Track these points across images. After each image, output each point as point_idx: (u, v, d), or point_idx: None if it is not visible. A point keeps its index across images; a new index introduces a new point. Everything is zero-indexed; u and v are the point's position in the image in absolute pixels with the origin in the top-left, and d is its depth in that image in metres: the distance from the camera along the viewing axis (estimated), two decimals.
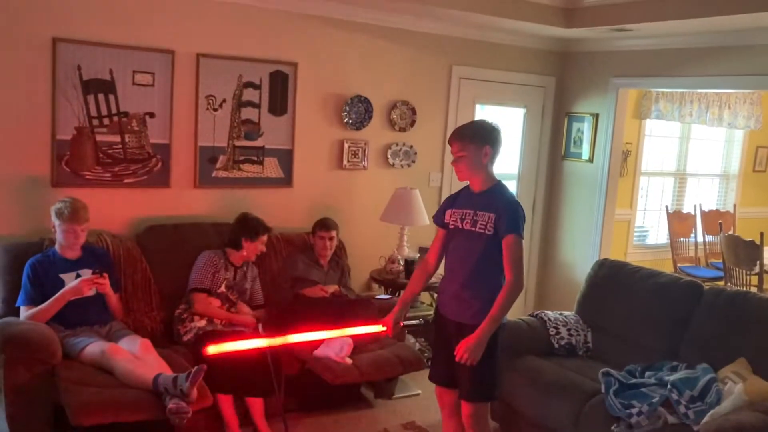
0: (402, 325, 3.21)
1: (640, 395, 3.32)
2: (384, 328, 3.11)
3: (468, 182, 3.10)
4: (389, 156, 5.18)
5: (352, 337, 3.00)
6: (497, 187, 3.02)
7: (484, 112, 5.69)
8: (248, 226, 4.03)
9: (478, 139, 2.97)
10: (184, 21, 4.26)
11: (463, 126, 3.10)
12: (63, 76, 3.91)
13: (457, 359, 2.89)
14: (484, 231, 2.93)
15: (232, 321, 3.91)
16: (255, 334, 2.93)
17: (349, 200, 5.03)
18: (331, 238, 4.42)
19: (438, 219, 3.17)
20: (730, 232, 6.77)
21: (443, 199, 5.42)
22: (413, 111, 5.22)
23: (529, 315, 4.24)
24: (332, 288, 4.37)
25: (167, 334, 3.93)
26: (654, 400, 3.24)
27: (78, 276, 3.55)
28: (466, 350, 2.86)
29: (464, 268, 2.99)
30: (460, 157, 2.99)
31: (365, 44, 4.95)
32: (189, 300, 3.89)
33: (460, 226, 3.01)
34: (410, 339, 4.81)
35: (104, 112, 4.07)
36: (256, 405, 3.66)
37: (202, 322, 3.83)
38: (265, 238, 4.05)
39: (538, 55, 5.79)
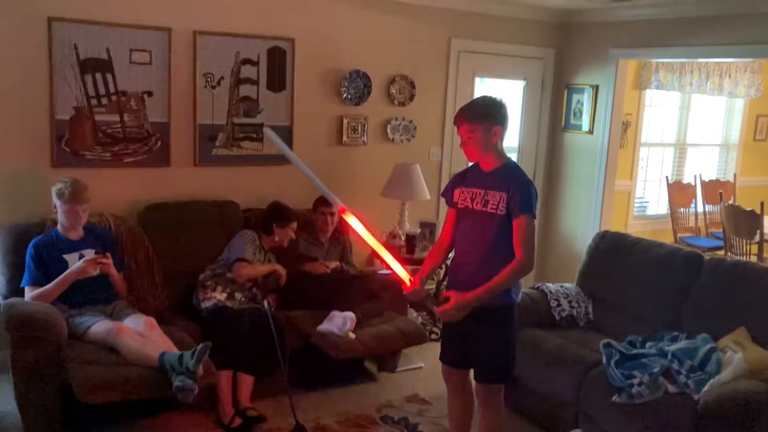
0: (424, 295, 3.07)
1: (641, 365, 3.35)
2: (410, 279, 2.97)
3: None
4: (389, 131, 5.17)
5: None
6: (508, 166, 2.93)
7: (483, 85, 5.67)
8: (279, 212, 4.16)
9: (487, 119, 2.86)
10: None
11: (469, 106, 2.96)
12: (59, 56, 3.89)
13: (437, 313, 2.88)
14: (496, 211, 2.85)
15: (273, 269, 4.07)
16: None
17: (349, 176, 5.02)
18: (332, 214, 4.44)
19: (447, 198, 3.09)
20: (731, 202, 6.79)
21: (443, 173, 5.50)
22: (412, 85, 5.19)
23: (531, 287, 4.26)
24: (333, 264, 4.40)
25: (172, 311, 3.96)
26: (655, 371, 3.28)
27: (81, 256, 3.57)
28: (450, 308, 2.84)
29: (477, 250, 2.92)
30: (470, 139, 2.89)
31: (363, 18, 4.91)
32: (229, 268, 3.96)
33: (471, 206, 2.94)
34: (412, 313, 4.85)
35: (102, 91, 4.05)
36: (246, 382, 3.68)
37: (223, 296, 3.87)
38: (294, 225, 4.17)
39: (537, 27, 5.74)
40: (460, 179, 3.06)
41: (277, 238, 4.14)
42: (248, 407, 3.66)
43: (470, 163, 3.08)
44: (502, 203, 2.84)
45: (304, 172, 2.97)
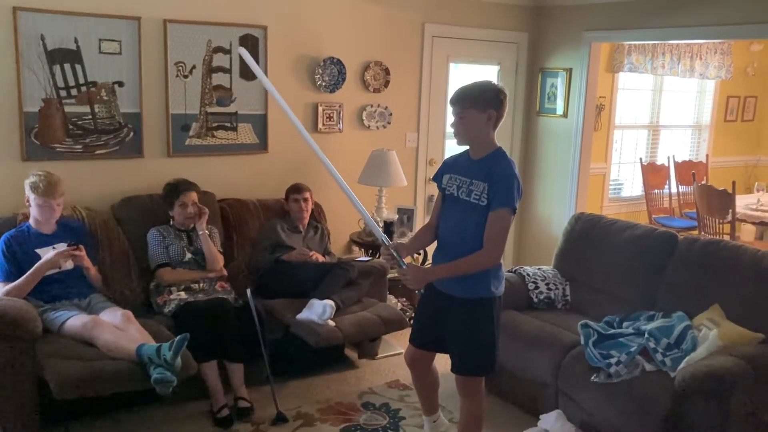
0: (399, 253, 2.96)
1: (619, 345, 3.40)
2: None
3: (468, 147, 2.93)
4: (364, 118, 5.15)
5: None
6: (495, 156, 2.84)
7: (457, 71, 5.66)
8: (164, 192, 4.05)
9: (480, 104, 2.77)
10: None
11: (466, 88, 2.84)
12: (26, 47, 3.81)
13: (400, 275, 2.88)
14: (478, 202, 2.79)
15: (205, 275, 3.95)
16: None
17: None
18: (305, 200, 4.43)
19: (437, 180, 3.04)
20: (703, 182, 6.87)
21: (420, 159, 5.51)
22: (387, 71, 5.17)
23: (509, 271, 4.28)
24: (315, 254, 4.36)
25: (148, 304, 3.92)
26: (632, 349, 3.32)
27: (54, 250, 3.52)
28: (408, 273, 2.85)
29: (458, 240, 2.87)
30: (461, 121, 2.81)
31: (335, 4, 4.87)
32: (156, 277, 3.90)
33: (456, 194, 2.89)
34: (392, 299, 4.86)
35: (71, 82, 3.98)
36: (236, 371, 3.67)
37: (182, 294, 3.83)
38: (183, 199, 3.97)
39: (510, 11, 5.75)
40: (450, 165, 3.02)
41: (175, 217, 4.00)
42: (240, 397, 3.65)
43: (460, 150, 3.02)
44: (484, 194, 2.78)
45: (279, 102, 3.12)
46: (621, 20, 5.30)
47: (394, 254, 2.91)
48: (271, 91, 3.02)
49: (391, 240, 3.04)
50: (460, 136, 2.89)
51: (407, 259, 3.05)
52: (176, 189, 4.01)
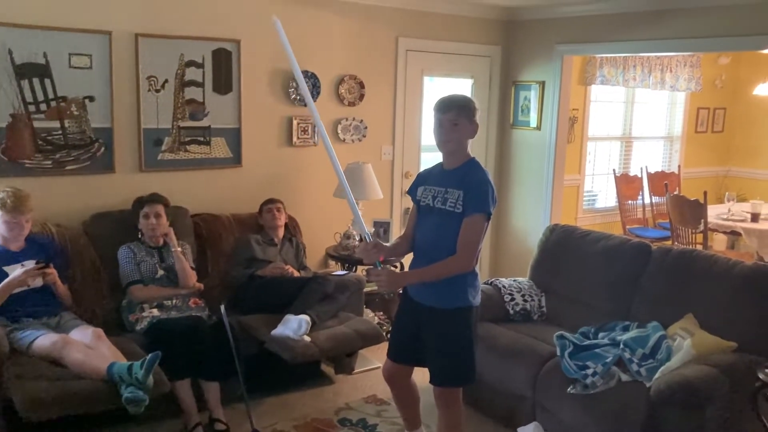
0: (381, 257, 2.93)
1: (595, 356, 3.40)
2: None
3: (442, 158, 2.96)
4: (339, 131, 5.14)
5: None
6: (469, 165, 2.89)
7: (432, 84, 5.68)
8: (132, 208, 4.01)
9: (471, 114, 2.86)
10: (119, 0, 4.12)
11: (457, 97, 2.92)
12: None
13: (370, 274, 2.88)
14: (454, 209, 2.81)
15: (178, 292, 3.90)
16: None
17: (300, 177, 4.98)
18: (278, 209, 4.43)
19: (412, 195, 3.05)
20: (676, 193, 6.95)
21: (396, 172, 5.50)
22: (361, 85, 5.17)
23: (485, 283, 4.28)
24: (290, 268, 4.34)
25: (120, 322, 3.85)
26: (608, 360, 3.33)
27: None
28: (382, 274, 2.85)
29: (435, 249, 2.86)
30: (455, 126, 2.83)
31: (309, 18, 4.87)
32: (128, 295, 3.85)
33: (431, 204, 2.91)
34: (369, 313, 4.83)
35: (41, 97, 3.92)
36: (212, 390, 3.62)
37: (154, 311, 3.77)
38: (147, 210, 3.94)
39: (483, 25, 5.79)
40: (424, 177, 3.04)
41: (143, 230, 3.96)
42: (216, 419, 3.59)
43: (432, 164, 3.05)
44: (459, 201, 2.81)
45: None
46: (592, 33, 5.36)
47: (372, 252, 2.88)
48: (299, 77, 3.00)
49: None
50: (452, 142, 2.87)
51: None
52: (141, 201, 3.98)
